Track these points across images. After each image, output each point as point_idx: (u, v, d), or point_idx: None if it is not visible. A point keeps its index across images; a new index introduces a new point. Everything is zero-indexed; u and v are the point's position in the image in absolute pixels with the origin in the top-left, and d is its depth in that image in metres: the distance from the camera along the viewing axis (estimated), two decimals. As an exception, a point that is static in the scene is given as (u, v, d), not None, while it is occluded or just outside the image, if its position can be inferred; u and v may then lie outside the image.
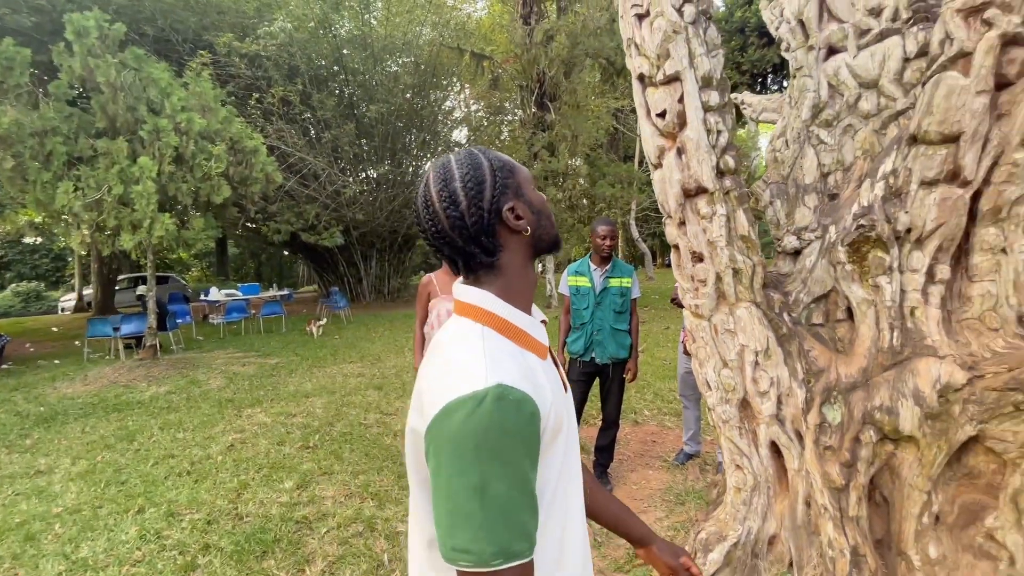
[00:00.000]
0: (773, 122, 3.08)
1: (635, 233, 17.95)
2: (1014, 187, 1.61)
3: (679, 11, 1.77)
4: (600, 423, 3.29)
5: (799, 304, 2.06)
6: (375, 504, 3.06)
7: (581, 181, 12.96)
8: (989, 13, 1.47)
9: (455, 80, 14.80)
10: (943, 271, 1.75)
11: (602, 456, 3.24)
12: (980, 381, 1.56)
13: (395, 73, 13.27)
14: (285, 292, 14.02)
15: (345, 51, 12.68)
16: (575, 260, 3.31)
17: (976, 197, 1.67)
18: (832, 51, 2.21)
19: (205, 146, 6.87)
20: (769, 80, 11.35)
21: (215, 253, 25.54)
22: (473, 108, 15.78)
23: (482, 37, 13.95)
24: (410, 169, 15.05)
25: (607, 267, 3.10)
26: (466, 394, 0.58)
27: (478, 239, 0.70)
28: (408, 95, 13.50)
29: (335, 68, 12.95)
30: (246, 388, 6.00)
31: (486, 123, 15.40)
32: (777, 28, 2.67)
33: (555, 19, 10.43)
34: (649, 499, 3.05)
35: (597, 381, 3.21)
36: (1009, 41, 1.48)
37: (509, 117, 15.32)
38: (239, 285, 14.99)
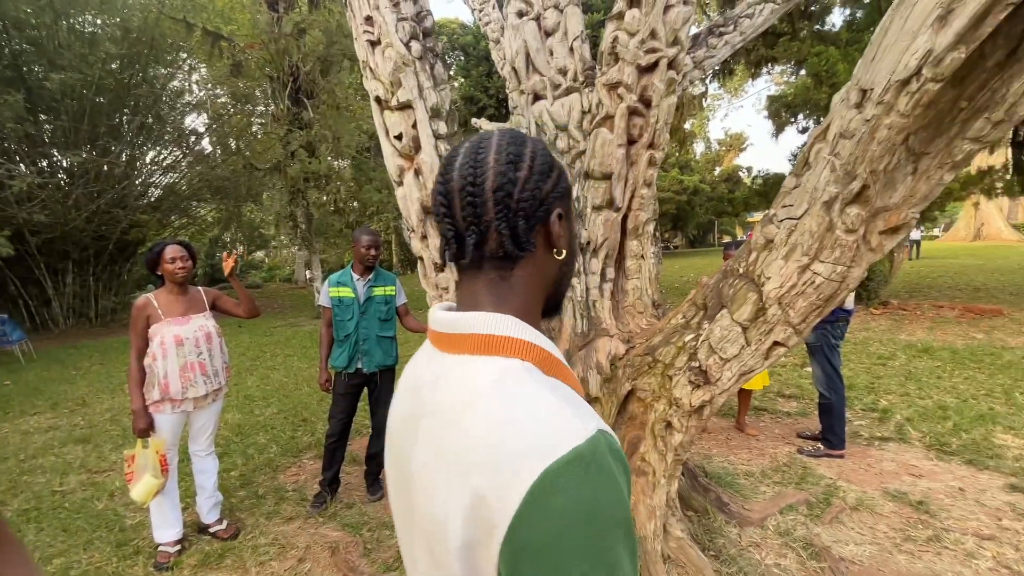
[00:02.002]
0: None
1: (407, 237, 18.18)
2: (644, 212, 2.31)
3: (407, 46, 1.95)
4: (371, 432, 3.31)
5: (523, 303, 2.50)
6: (81, 588, 2.42)
7: (349, 184, 12.50)
8: (620, 90, 2.08)
9: (183, 57, 12.43)
10: (611, 273, 2.38)
11: (373, 465, 3.27)
12: (632, 351, 2.20)
13: (92, 36, 10.37)
14: (-99, 327, 9.48)
15: (1, -7, 9.29)
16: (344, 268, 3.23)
17: (624, 219, 2.33)
18: (537, 97, 2.74)
19: None
20: (510, 104, 13.03)
21: None
22: (213, 93, 13.54)
23: (218, 13, 12.06)
24: (123, 158, 12.01)
25: (370, 276, 3.14)
26: (568, 453, 0.41)
27: (515, 220, 0.54)
28: (114, 66, 10.73)
29: (-17, 13, 9.37)
30: None
31: (232, 111, 13.41)
32: (502, 69, 3.15)
33: (307, 12, 9.79)
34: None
35: (366, 391, 3.22)
36: (633, 112, 2.12)
37: (261, 108, 13.68)
38: None
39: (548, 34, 2.68)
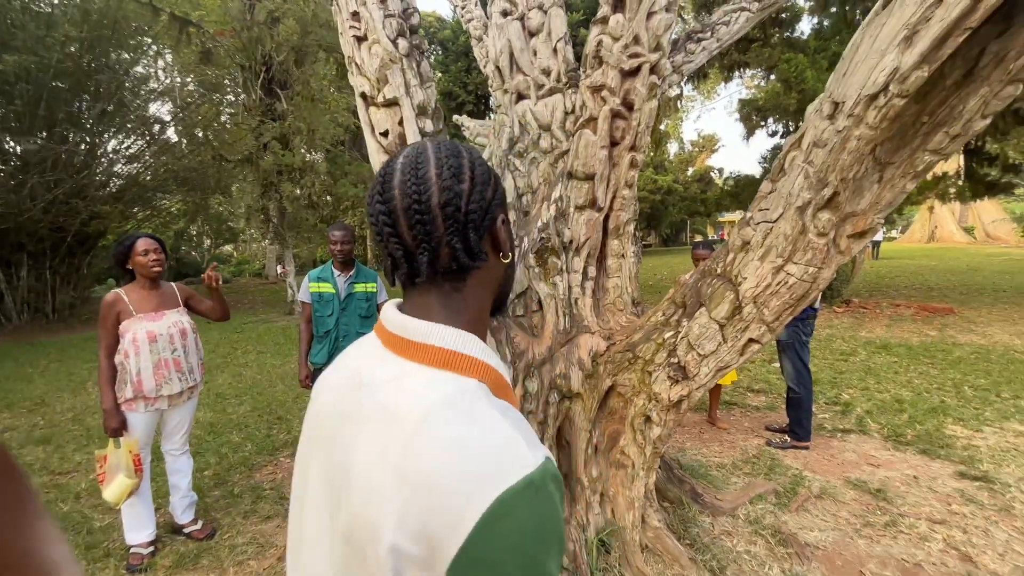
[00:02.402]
0: (484, 145, 3.64)
1: (383, 233, 17.95)
2: (625, 213, 2.37)
3: (394, 42, 1.95)
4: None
5: (506, 300, 2.53)
6: (48, 593, 2.34)
7: (323, 178, 12.24)
8: (603, 92, 2.13)
9: (148, 42, 11.93)
10: (592, 271, 2.44)
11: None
12: (613, 347, 2.26)
13: (49, 17, 9.85)
14: None
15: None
16: (318, 264, 3.20)
17: (606, 219, 2.39)
18: (520, 96, 2.76)
19: None
20: (491, 102, 13.03)
21: None
22: (180, 81, 13.03)
23: (186, -2, 11.61)
24: (82, 146, 11.45)
25: (351, 272, 3.11)
26: (520, 481, 0.44)
27: (465, 232, 0.55)
28: (72, 49, 10.22)
29: (-74, -12, 8.79)
30: None
31: (197, 98, 12.92)
32: (484, 67, 3.16)
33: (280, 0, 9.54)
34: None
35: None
36: (616, 114, 2.17)
37: (230, 98, 13.24)
38: None
39: (532, 34, 2.71)
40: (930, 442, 3.56)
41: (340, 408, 0.57)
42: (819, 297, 3.72)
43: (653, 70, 2.09)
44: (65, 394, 5.88)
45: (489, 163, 0.62)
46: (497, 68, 2.80)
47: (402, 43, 1.96)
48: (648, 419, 2.10)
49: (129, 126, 12.28)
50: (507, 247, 0.61)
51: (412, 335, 0.55)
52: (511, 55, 2.74)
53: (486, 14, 3.38)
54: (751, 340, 1.65)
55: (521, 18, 2.70)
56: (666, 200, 23.08)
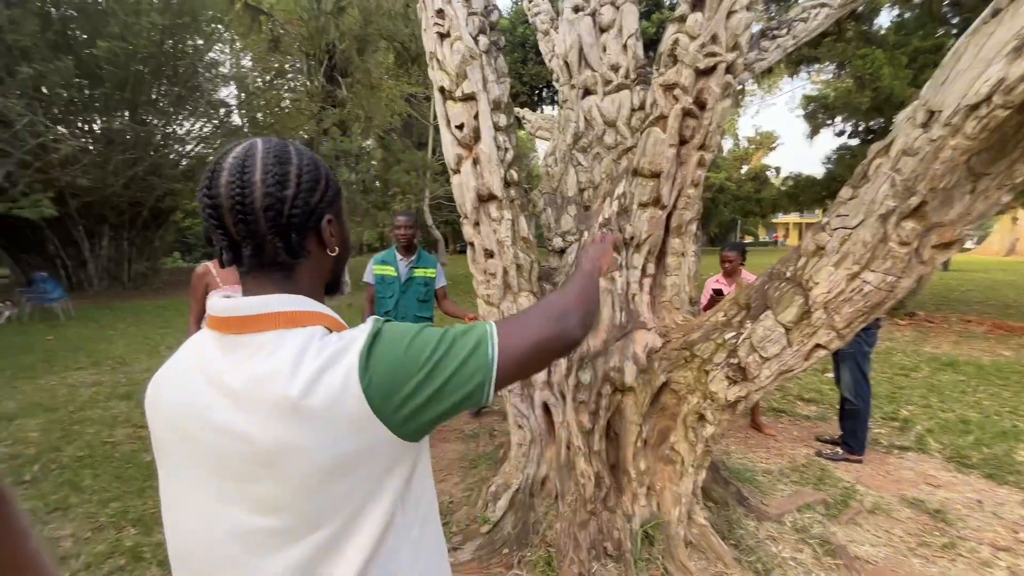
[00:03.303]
0: (545, 139, 3.69)
1: (429, 220, 18.50)
2: (688, 211, 2.37)
3: (475, 39, 2.03)
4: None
5: (563, 292, 2.59)
6: (139, 531, 2.62)
7: (375, 164, 12.61)
8: (676, 91, 2.13)
9: (222, 29, 12.60)
10: (651, 268, 2.46)
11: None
12: (668, 344, 2.28)
13: (136, 5, 10.58)
14: (-51, 279, 9.94)
15: (50, -42, 9.52)
16: (372, 245, 3.38)
17: (669, 217, 2.40)
18: (587, 92, 2.79)
19: None
20: (544, 93, 12.93)
21: None
22: (247, 65, 13.70)
23: (258, -13, 12.15)
24: (159, 127, 12.29)
25: (412, 257, 3.26)
26: (367, 340, 0.59)
27: (287, 233, 0.61)
28: (155, 35, 10.94)
29: (34, -22, 9.62)
30: None
31: (261, 84, 13.55)
32: (550, 60, 3.20)
33: (347, -10, 9.85)
34: (447, 468, 3.38)
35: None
36: (687, 113, 2.17)
37: (293, 84, 13.81)
38: None
39: (603, 30, 2.72)
40: (998, 467, 3.37)
41: (198, 399, 0.61)
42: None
43: (728, 69, 2.07)
44: (142, 355, 6.41)
45: (321, 165, 0.66)
46: (565, 63, 2.83)
47: (482, 40, 2.04)
48: (702, 417, 2.12)
49: (201, 109, 13.06)
50: (333, 244, 0.67)
51: (249, 311, 0.61)
52: (580, 50, 2.77)
53: (553, 8, 3.41)
54: (818, 346, 1.64)
55: (593, 14, 2.72)
56: (717, 198, 22.34)
